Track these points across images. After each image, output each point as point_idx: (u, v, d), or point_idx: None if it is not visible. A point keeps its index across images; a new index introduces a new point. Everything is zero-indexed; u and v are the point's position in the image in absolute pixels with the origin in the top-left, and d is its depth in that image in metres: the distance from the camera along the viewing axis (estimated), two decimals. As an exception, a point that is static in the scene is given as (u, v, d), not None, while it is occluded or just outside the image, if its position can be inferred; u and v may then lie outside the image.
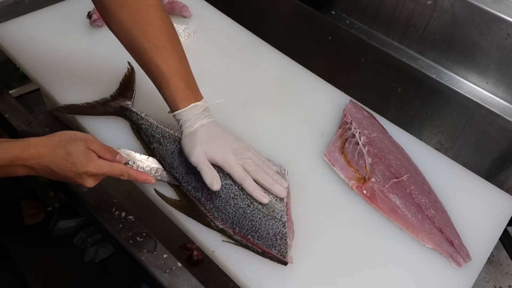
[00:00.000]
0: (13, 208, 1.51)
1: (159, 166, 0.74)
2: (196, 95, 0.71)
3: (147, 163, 0.73)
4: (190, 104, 0.69)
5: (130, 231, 0.72)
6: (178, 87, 0.68)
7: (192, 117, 0.69)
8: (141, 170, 0.71)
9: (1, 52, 0.91)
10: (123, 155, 0.69)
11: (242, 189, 0.68)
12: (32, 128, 0.84)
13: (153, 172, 0.73)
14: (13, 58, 0.89)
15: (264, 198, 0.67)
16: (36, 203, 1.54)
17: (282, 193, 0.69)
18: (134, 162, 0.71)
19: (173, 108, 0.70)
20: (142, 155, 0.74)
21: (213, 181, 0.67)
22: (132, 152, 0.73)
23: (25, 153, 0.59)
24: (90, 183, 0.64)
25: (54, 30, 0.95)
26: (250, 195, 0.68)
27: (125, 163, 0.68)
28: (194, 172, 0.71)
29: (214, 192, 0.69)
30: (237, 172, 0.68)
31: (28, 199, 1.54)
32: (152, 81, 0.71)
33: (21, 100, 1.01)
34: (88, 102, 0.81)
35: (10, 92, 0.93)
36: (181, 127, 0.71)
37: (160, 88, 0.70)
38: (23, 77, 1.07)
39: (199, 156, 0.68)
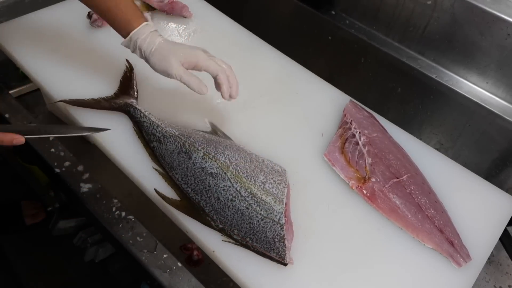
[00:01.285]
0: (13, 208, 1.51)
1: (33, 128, 0.68)
2: (143, 17, 0.73)
3: (17, 127, 0.68)
4: (143, 22, 0.71)
5: (130, 231, 0.72)
6: (129, 6, 0.71)
7: (148, 34, 0.71)
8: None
9: (1, 52, 0.91)
10: None
11: (240, 190, 0.68)
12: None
13: (23, 131, 0.65)
14: (13, 58, 0.89)
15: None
16: (36, 204, 1.53)
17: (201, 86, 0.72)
18: None
19: (128, 29, 0.72)
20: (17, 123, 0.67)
21: (201, 86, 0.71)
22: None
23: None
24: None
25: (54, 30, 0.95)
26: (248, 197, 0.68)
27: None
28: (193, 173, 0.71)
29: (213, 195, 0.69)
30: (213, 65, 0.72)
31: (28, 200, 1.54)
32: (101, 13, 0.73)
33: (21, 100, 1.01)
34: (93, 98, 0.81)
35: (10, 92, 0.93)
36: (139, 49, 0.72)
37: (110, 13, 0.72)
38: (23, 77, 1.07)
39: (178, 68, 0.70)
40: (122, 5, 0.71)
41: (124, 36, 0.73)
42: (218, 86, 0.75)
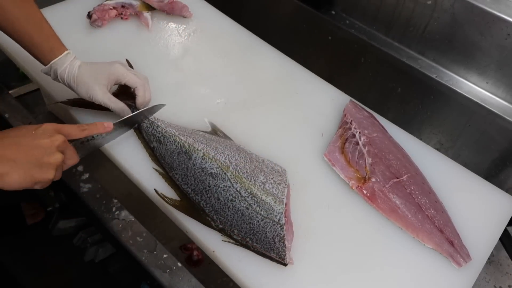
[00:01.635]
0: (14, 210, 1.52)
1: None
2: (63, 45, 0.74)
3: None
4: (64, 51, 0.72)
5: (130, 231, 0.72)
6: (51, 35, 0.71)
7: (68, 64, 0.72)
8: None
9: (1, 52, 0.91)
10: None
11: (240, 191, 0.68)
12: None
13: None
14: (13, 58, 0.89)
15: None
16: (35, 204, 1.54)
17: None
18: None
19: (49, 57, 0.72)
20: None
21: (123, 111, 0.74)
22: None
23: None
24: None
25: (54, 30, 0.94)
26: (248, 197, 0.68)
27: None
28: (193, 174, 0.71)
29: (213, 195, 0.69)
30: (132, 78, 0.75)
31: (28, 201, 1.55)
32: (19, 39, 0.71)
33: (21, 100, 1.01)
34: None
35: (10, 92, 0.93)
36: (61, 78, 0.73)
37: (31, 40, 0.70)
38: (23, 77, 1.07)
39: (103, 96, 0.72)
40: (44, 33, 0.71)
41: (44, 64, 0.73)
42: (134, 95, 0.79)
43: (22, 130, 0.58)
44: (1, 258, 1.19)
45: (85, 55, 0.91)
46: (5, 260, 1.20)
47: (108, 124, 0.68)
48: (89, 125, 0.66)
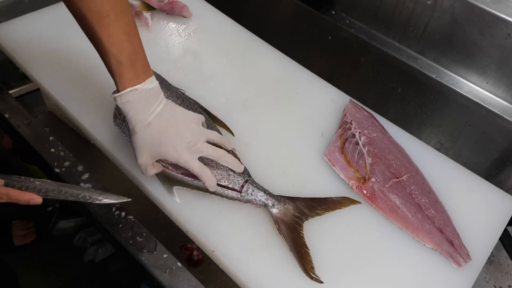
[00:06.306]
0: (2, 228, 1.48)
1: (51, 186, 0.65)
2: (141, 75, 0.61)
3: (34, 183, 0.63)
4: (128, 87, 0.60)
5: (130, 231, 0.72)
6: (119, 64, 0.59)
7: (134, 104, 0.61)
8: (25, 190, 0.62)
9: (1, 52, 0.91)
10: None
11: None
12: (32, 128, 0.84)
13: (42, 191, 0.63)
14: (13, 58, 0.89)
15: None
16: (27, 223, 1.51)
17: (239, 168, 0.70)
18: (14, 185, 0.61)
19: (117, 88, 0.62)
20: (29, 178, 0.64)
21: (211, 180, 0.67)
22: (14, 175, 0.63)
23: None
24: None
25: (54, 30, 0.95)
26: None
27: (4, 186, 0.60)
28: None
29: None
30: (195, 168, 0.65)
31: (20, 219, 1.52)
32: (100, 57, 0.63)
33: (21, 100, 1.01)
34: None
35: (10, 92, 0.93)
36: (126, 116, 0.62)
37: (105, 64, 0.61)
38: (23, 77, 1.07)
39: (146, 167, 0.65)
40: (113, 63, 0.60)
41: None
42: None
43: None
44: (1, 258, 1.19)
45: (85, 55, 0.91)
46: (5, 260, 1.20)
47: (35, 200, 0.60)
48: (9, 191, 0.59)
